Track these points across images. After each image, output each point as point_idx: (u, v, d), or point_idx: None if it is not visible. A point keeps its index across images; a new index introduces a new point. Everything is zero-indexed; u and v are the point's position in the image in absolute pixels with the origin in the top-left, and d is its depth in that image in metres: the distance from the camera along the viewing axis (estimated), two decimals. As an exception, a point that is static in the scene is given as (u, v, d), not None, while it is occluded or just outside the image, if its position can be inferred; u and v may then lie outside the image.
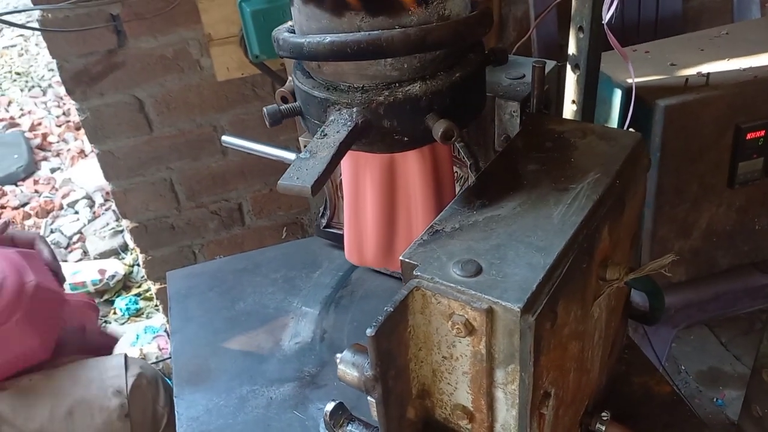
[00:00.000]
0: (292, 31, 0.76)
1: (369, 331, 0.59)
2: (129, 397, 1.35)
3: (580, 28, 1.11)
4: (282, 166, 1.76)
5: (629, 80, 1.23)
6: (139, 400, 1.39)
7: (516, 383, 0.64)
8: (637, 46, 1.38)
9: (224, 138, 1.28)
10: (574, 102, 1.19)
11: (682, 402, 0.97)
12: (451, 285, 0.61)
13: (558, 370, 0.69)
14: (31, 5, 1.41)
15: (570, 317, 0.67)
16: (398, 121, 0.73)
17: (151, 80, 1.57)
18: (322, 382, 1.03)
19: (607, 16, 0.97)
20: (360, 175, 0.84)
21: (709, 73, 1.20)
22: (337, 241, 1.26)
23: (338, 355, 0.66)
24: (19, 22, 1.46)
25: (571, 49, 1.14)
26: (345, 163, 0.85)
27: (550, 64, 0.94)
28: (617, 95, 1.26)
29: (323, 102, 0.74)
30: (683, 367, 1.86)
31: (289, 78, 1.06)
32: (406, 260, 0.65)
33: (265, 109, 0.79)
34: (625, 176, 0.75)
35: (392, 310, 0.61)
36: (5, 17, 1.36)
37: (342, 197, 1.19)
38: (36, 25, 1.46)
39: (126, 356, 1.43)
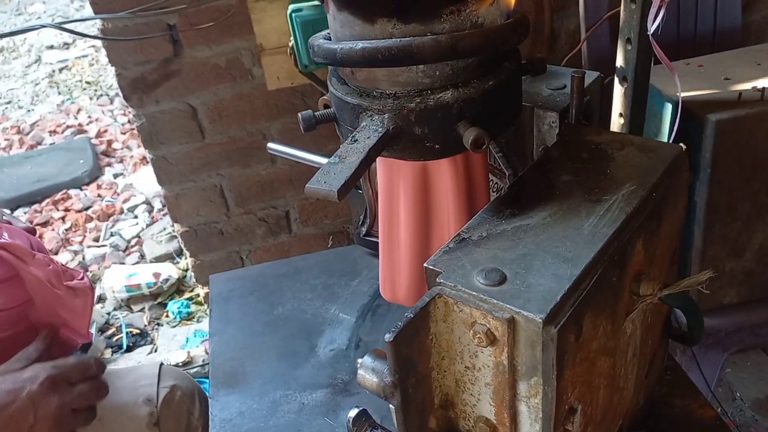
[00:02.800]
0: (329, 38, 0.77)
1: (387, 337, 0.58)
2: (160, 406, 1.34)
3: (628, 40, 1.09)
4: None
5: (681, 94, 1.20)
6: (172, 410, 1.36)
7: (539, 397, 0.62)
8: (690, 60, 1.34)
9: (269, 145, 1.29)
10: (621, 115, 1.16)
11: (725, 428, 0.93)
12: (474, 293, 0.61)
13: (585, 385, 0.67)
14: (93, 14, 1.46)
15: (598, 331, 0.65)
16: (429, 128, 0.72)
17: (204, 88, 1.61)
18: (355, 389, 1.03)
19: (652, 27, 0.94)
20: (394, 183, 0.84)
21: (764, 88, 1.16)
22: (377, 249, 1.26)
23: (359, 360, 0.66)
24: (83, 32, 1.52)
25: (619, 61, 1.12)
26: (380, 171, 0.85)
27: (592, 75, 0.93)
28: (668, 109, 1.22)
29: (356, 108, 0.74)
30: (738, 394, 1.78)
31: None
32: (430, 267, 0.65)
33: (300, 114, 0.80)
34: (662, 189, 0.73)
35: (412, 316, 0.60)
36: (67, 26, 1.41)
37: (381, 206, 1.20)
38: (97, 34, 1.51)
39: (161, 366, 1.43)
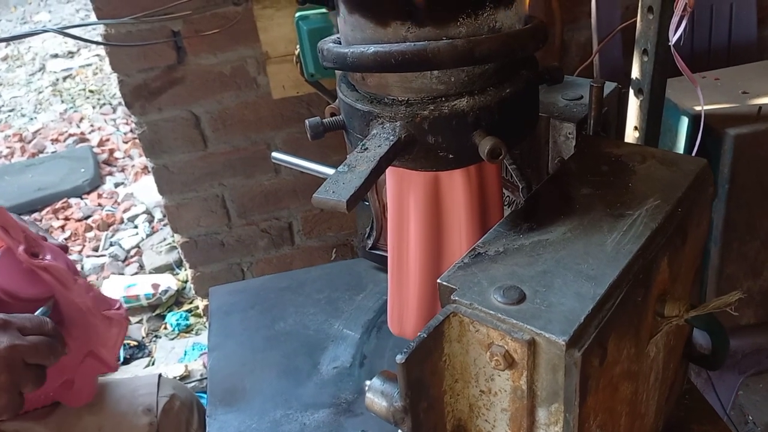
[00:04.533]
0: (339, 42, 0.74)
1: (399, 358, 0.55)
2: (159, 416, 1.32)
3: (645, 51, 1.06)
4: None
5: (697, 107, 1.16)
6: (171, 421, 1.35)
7: (560, 425, 0.58)
8: (707, 73, 1.31)
9: (274, 154, 1.26)
10: (636, 128, 1.13)
11: (747, 455, 0.88)
12: (491, 312, 0.57)
13: (607, 412, 0.63)
14: (96, 20, 1.44)
15: (622, 355, 0.62)
16: (443, 137, 0.69)
17: (208, 97, 1.59)
18: (359, 410, 0.99)
19: (674, 38, 0.91)
20: (404, 195, 0.80)
21: (785, 102, 1.13)
22: (383, 263, 1.22)
23: (367, 382, 0.62)
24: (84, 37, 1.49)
25: (635, 73, 1.09)
26: (389, 181, 0.82)
27: (610, 86, 0.89)
28: (684, 123, 1.19)
29: (366, 115, 0.71)
30: (751, 417, 1.73)
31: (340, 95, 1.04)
32: (444, 283, 0.61)
33: (307, 121, 0.76)
34: (687, 204, 0.69)
35: (425, 336, 0.57)
36: (71, 31, 1.38)
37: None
38: (100, 40, 1.49)
39: (160, 376, 1.41)
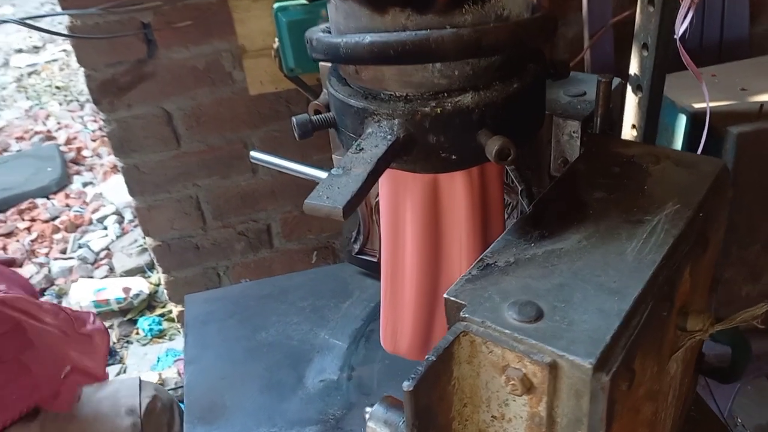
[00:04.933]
0: (328, 32, 0.67)
1: (406, 385, 0.48)
2: (142, 417, 1.28)
3: (644, 46, 1.01)
4: (316, 186, 1.68)
5: (696, 105, 1.12)
6: (153, 422, 1.33)
7: (581, 453, 0.53)
8: (702, 69, 1.27)
9: (252, 154, 1.20)
10: (634, 127, 1.08)
11: (759, 471, 0.84)
12: (506, 331, 0.51)
13: (629, 437, 0.58)
14: (60, 10, 1.35)
15: (646, 375, 0.56)
16: (446, 136, 0.63)
17: (180, 93, 1.51)
18: (348, 426, 0.93)
19: (680, 31, 0.86)
20: (399, 200, 0.74)
21: (786, 99, 1.09)
22: (370, 268, 1.16)
23: (367, 409, 0.56)
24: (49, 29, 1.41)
25: (633, 68, 1.04)
26: (383, 185, 0.76)
27: (615, 81, 0.84)
28: (681, 121, 1.15)
29: (360, 112, 0.65)
30: (740, 420, 1.71)
31: (324, 90, 0.98)
32: (452, 299, 0.55)
33: (294, 119, 0.70)
34: (707, 209, 0.64)
35: (435, 359, 0.51)
36: (33, 22, 1.30)
37: (377, 222, 1.10)
38: (66, 32, 1.40)
39: (140, 379, 1.38)
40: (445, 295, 0.56)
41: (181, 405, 1.58)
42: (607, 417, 0.50)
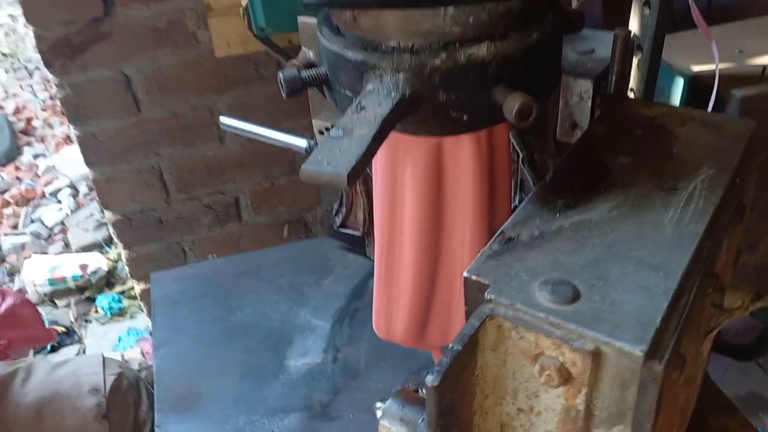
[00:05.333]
0: (320, -25, 0.59)
1: (431, 380, 0.42)
2: (107, 396, 1.19)
3: (647, 3, 0.94)
4: (288, 156, 1.59)
5: (694, 67, 1.06)
6: (119, 401, 1.24)
7: (620, 450, 0.47)
8: (694, 31, 1.22)
9: (222, 119, 1.10)
10: (632, 90, 1.02)
11: (771, 450, 0.80)
12: (540, 315, 0.45)
13: (665, 427, 0.52)
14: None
15: (688, 360, 0.50)
16: (457, 93, 0.56)
17: (140, 54, 1.40)
18: (335, 413, 0.86)
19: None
20: (398, 167, 0.66)
21: (789, 62, 1.04)
22: (353, 243, 1.09)
23: (378, 405, 0.49)
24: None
25: (633, 27, 0.97)
26: (379, 150, 0.68)
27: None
28: (678, 84, 1.09)
29: (359, 66, 0.57)
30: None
31: (303, 48, 0.89)
32: (473, 278, 0.49)
33: (281, 74, 0.61)
34: (743, 174, 0.58)
35: (460, 348, 0.44)
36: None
37: (362, 193, 1.02)
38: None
39: (103, 356, 1.28)
40: (464, 274, 0.49)
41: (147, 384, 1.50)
42: (657, 409, 0.44)
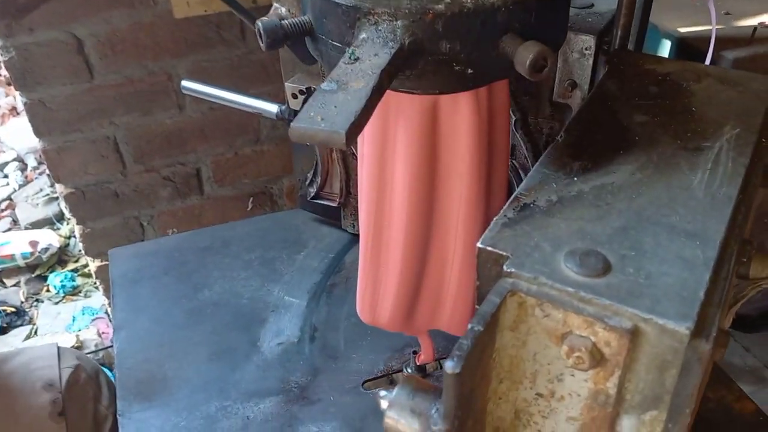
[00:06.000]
0: None
1: (451, 366, 0.36)
2: (64, 392, 1.11)
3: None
4: (253, 124, 1.50)
5: (682, 29, 1.02)
6: (77, 397, 1.16)
7: (652, 437, 0.42)
8: (679, -7, 1.18)
9: (184, 83, 1.02)
10: (620, 51, 0.98)
11: (770, 425, 0.78)
12: (569, 290, 0.39)
13: (693, 410, 0.48)
14: None
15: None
16: (462, 43, 0.50)
17: (92, 15, 1.29)
18: (315, 396, 0.81)
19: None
20: (389, 128, 0.60)
21: (779, 23, 1.01)
22: (328, 215, 1.02)
23: (382, 393, 0.43)
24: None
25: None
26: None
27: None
28: (665, 47, 1.05)
29: (350, 12, 0.50)
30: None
31: (275, 4, 0.82)
32: (489, 248, 0.43)
33: (259, 23, 0.55)
34: (767, 133, 0.54)
35: (482, 329, 0.38)
36: None
37: (338, 160, 0.96)
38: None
39: (58, 346, 1.19)
40: (479, 245, 0.43)
41: (106, 371, 1.42)
42: (697, 391, 0.39)
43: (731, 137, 0.52)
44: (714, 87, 0.58)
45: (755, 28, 1.00)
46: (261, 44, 0.56)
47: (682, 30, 1.03)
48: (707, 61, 0.85)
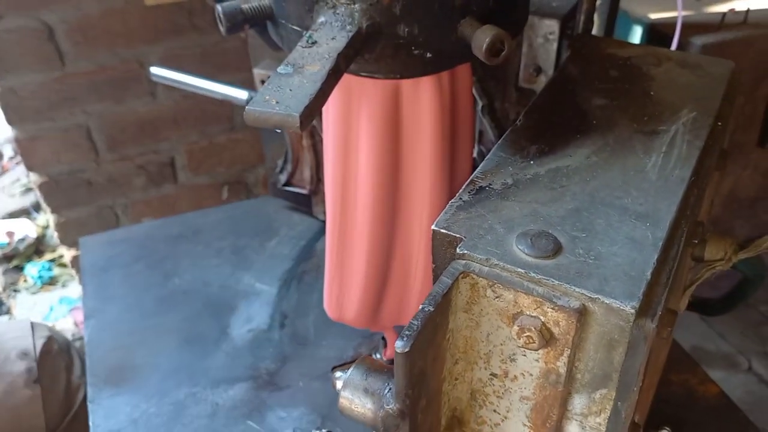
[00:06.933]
0: None
1: (400, 345, 0.37)
2: (38, 360, 1.13)
3: (606, -55, 0.90)
4: (227, 112, 1.50)
5: (652, 15, 1.03)
6: (50, 366, 1.18)
7: (603, 415, 0.43)
8: (650, -20, 1.18)
9: (153, 70, 1.02)
10: (590, 38, 0.98)
11: (733, 406, 0.79)
12: (520, 270, 0.40)
13: (644, 389, 0.49)
14: None
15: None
16: (420, 27, 0.50)
17: (63, 1, 1.29)
18: (284, 382, 0.81)
19: None
20: (352, 114, 0.60)
21: (748, 10, 1.01)
22: (299, 202, 1.02)
23: (338, 374, 0.44)
24: None
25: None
26: (331, 97, 0.61)
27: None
28: (636, 33, 1.06)
29: (309, -4, 0.50)
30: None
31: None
32: (443, 231, 0.43)
33: (219, 7, 0.54)
34: (724, 116, 0.55)
35: (432, 309, 0.39)
36: None
37: (308, 148, 0.96)
38: None
39: (31, 321, 1.21)
40: (433, 227, 0.44)
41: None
42: (644, 371, 0.40)
43: (687, 121, 0.52)
44: (674, 71, 0.59)
45: (724, 14, 1.00)
46: (221, 28, 0.55)
47: (653, 16, 1.03)
48: (673, 47, 0.86)
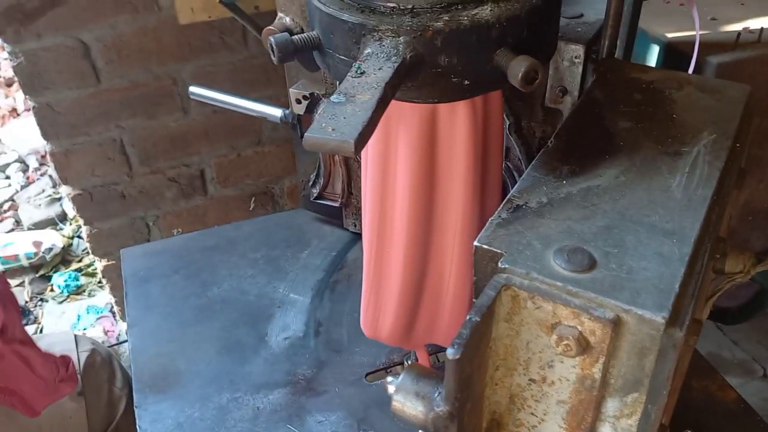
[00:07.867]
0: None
1: (451, 353, 0.40)
2: (82, 374, 1.16)
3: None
4: (255, 126, 1.54)
5: (669, 34, 1.06)
6: (94, 378, 1.22)
7: (635, 417, 0.47)
8: (665, -2, 1.22)
9: (192, 89, 1.07)
10: (610, 57, 1.02)
11: (751, 411, 0.82)
12: (558, 284, 0.44)
13: (672, 395, 0.52)
14: None
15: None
16: (459, 57, 0.54)
17: (99, 20, 1.33)
18: (321, 387, 0.85)
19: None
20: (391, 136, 0.64)
21: (762, 29, 1.05)
22: (330, 214, 1.07)
23: (390, 380, 0.47)
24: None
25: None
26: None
27: None
28: (653, 52, 1.09)
29: (356, 29, 0.54)
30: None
31: (279, 14, 0.86)
32: (485, 246, 0.47)
33: (272, 38, 0.58)
34: (742, 138, 0.58)
35: (478, 319, 0.43)
36: None
37: (340, 163, 1.00)
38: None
39: (74, 333, 1.25)
40: (475, 243, 0.48)
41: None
42: (673, 376, 0.44)
43: (708, 142, 0.56)
44: (694, 94, 0.62)
45: (739, 33, 1.04)
46: (273, 58, 0.60)
47: (670, 35, 1.07)
48: (691, 66, 0.90)
